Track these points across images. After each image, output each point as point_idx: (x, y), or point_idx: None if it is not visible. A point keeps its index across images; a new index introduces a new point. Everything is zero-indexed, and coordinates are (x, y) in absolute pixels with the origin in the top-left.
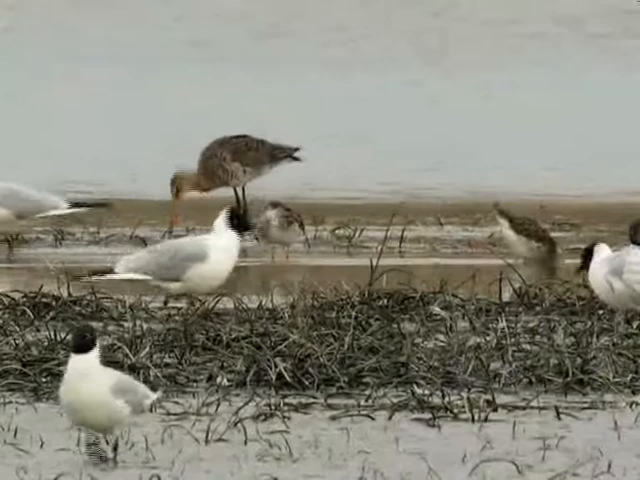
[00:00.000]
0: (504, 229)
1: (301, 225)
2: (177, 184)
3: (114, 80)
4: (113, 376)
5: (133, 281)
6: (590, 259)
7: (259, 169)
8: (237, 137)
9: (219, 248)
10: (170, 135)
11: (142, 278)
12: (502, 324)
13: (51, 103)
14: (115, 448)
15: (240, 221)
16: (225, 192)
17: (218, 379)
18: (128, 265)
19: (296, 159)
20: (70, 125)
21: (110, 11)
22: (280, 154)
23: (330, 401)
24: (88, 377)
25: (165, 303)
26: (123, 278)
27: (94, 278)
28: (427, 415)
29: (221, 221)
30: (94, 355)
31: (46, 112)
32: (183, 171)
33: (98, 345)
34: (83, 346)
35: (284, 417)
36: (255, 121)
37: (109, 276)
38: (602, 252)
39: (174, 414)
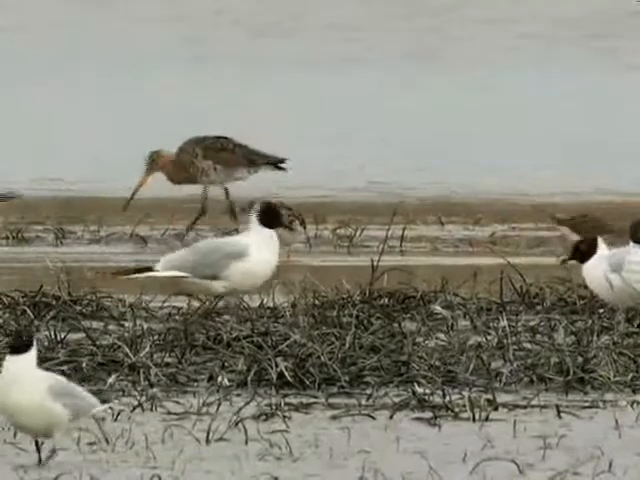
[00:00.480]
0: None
1: (302, 223)
2: (154, 158)
3: (110, 80)
4: (49, 378)
5: (173, 279)
6: (590, 252)
7: (232, 171)
8: (217, 137)
9: (259, 245)
10: (168, 135)
11: (181, 276)
12: (503, 323)
13: (48, 102)
14: (52, 453)
15: (271, 215)
16: (220, 192)
17: (219, 379)
18: (168, 263)
19: (280, 168)
20: (66, 124)
21: (106, 9)
22: (258, 160)
23: (331, 400)
24: (21, 379)
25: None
26: (163, 276)
27: (134, 276)
28: (428, 414)
29: (253, 217)
30: (30, 356)
31: (43, 111)
32: (162, 149)
33: (35, 347)
34: (19, 347)
35: (285, 417)
36: (251, 121)
37: (149, 274)
38: (599, 248)
39: (175, 414)
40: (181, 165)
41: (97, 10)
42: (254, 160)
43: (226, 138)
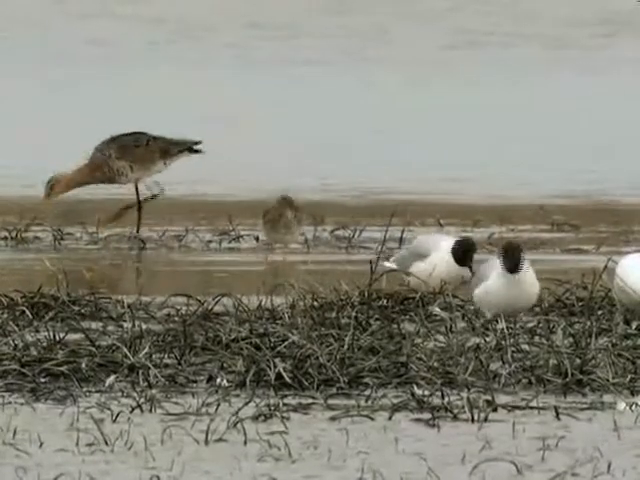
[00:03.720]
0: None
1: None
2: (52, 184)
3: (105, 78)
4: None
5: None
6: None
7: (149, 166)
8: (130, 134)
9: (444, 250)
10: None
11: (394, 268)
12: (501, 325)
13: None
14: None
15: (463, 254)
16: (223, 194)
17: (218, 380)
18: (394, 255)
19: (196, 151)
20: (62, 124)
21: (112, 5)
22: (173, 149)
23: (330, 402)
24: None
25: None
26: (387, 267)
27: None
28: (427, 415)
29: (449, 245)
30: None
31: (34, 110)
32: (60, 173)
33: None
34: None
35: (283, 418)
36: (245, 121)
37: (385, 263)
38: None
39: (174, 414)
40: (95, 166)
41: (99, 6)
42: (168, 150)
43: (142, 133)
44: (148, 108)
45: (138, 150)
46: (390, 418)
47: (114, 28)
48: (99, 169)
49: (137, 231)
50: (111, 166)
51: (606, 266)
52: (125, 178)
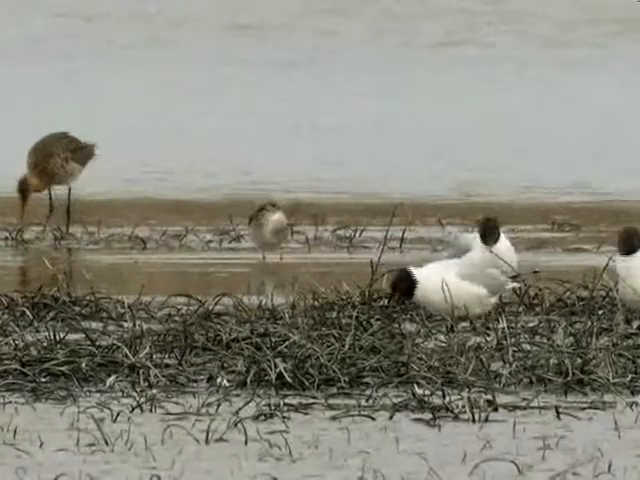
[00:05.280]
0: None
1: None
2: (26, 186)
3: (96, 77)
4: None
5: None
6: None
7: (82, 168)
8: (65, 135)
9: (479, 246)
10: (152, 137)
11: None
12: (502, 324)
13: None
14: None
15: (490, 232)
16: (224, 194)
17: (218, 379)
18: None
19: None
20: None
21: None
22: (95, 151)
23: (330, 401)
24: None
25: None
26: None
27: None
28: (427, 415)
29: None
30: None
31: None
32: (27, 175)
33: None
34: None
35: (284, 417)
36: (231, 120)
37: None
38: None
39: (174, 414)
40: (50, 171)
41: (81, 4)
42: (92, 152)
43: (67, 133)
44: (148, 108)
45: (82, 152)
46: (391, 418)
47: (113, 28)
48: (55, 173)
49: (67, 230)
50: (66, 169)
51: (607, 266)
52: (72, 179)
